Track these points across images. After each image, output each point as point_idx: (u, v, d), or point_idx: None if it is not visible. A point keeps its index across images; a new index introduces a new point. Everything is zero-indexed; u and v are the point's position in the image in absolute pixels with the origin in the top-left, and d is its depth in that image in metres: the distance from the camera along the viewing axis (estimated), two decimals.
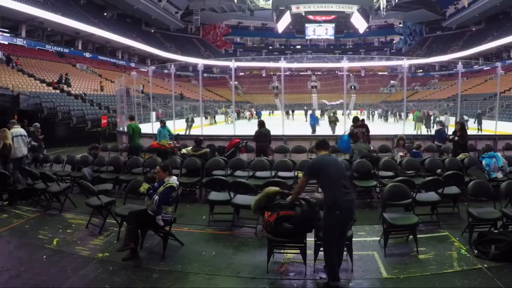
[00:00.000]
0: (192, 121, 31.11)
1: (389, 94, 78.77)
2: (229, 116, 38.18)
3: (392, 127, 33.90)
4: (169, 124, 22.64)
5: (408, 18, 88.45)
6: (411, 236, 7.57)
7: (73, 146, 22.55)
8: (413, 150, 13.84)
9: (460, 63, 21.96)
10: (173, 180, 7.51)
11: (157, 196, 7.08)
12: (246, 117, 53.19)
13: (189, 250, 7.48)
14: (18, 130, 13.09)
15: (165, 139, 16.26)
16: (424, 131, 28.32)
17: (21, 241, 8.05)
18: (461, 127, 14.27)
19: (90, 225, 8.76)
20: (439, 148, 15.90)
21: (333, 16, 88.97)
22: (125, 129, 20.39)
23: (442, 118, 30.46)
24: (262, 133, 14.46)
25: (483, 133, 23.85)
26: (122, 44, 66.03)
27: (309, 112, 41.15)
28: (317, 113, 44.49)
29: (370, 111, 55.33)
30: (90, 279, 6.33)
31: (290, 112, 52.52)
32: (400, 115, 47.80)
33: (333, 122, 27.35)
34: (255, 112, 55.54)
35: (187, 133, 27.56)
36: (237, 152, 14.45)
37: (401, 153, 13.03)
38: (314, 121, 28.38)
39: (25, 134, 13.48)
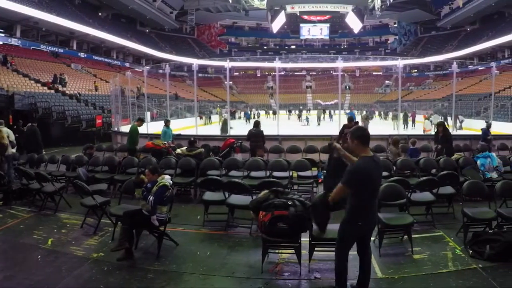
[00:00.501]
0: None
1: (383, 94, 78.82)
2: (223, 116, 38.15)
3: (384, 127, 33.86)
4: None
5: (403, 18, 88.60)
6: (405, 236, 7.57)
7: (68, 146, 22.56)
8: (411, 147, 13.93)
9: (454, 63, 22.08)
10: (166, 179, 7.51)
11: (152, 197, 7.10)
12: (240, 117, 53.13)
13: (184, 250, 7.49)
14: (6, 129, 13.29)
15: (169, 140, 16.36)
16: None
17: (16, 241, 8.04)
18: (443, 128, 14.35)
19: (85, 225, 8.76)
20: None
21: (327, 16, 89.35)
22: (120, 129, 20.42)
23: (432, 118, 30.48)
24: (253, 133, 14.53)
25: (477, 133, 23.92)
26: (117, 44, 65.91)
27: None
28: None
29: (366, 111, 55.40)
30: (85, 279, 6.33)
31: (287, 112, 52.83)
32: (387, 114, 48.43)
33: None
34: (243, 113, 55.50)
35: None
36: (232, 152, 14.43)
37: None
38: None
39: (11, 133, 13.72)
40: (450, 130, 19.97)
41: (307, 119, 46.83)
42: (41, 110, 29.48)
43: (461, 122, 31.58)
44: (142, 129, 19.28)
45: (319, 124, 45.12)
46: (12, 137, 15.01)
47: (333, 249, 6.01)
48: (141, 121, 16.62)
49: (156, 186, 7.28)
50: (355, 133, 5.46)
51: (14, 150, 13.54)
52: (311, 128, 30.03)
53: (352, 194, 5.38)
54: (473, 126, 31.38)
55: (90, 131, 29.92)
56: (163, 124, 17.69)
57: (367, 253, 5.78)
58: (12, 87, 30.75)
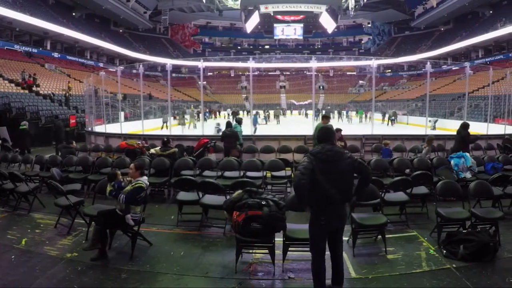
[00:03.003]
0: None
1: (357, 94, 79.09)
2: (195, 119, 38.05)
3: (357, 127, 34.05)
4: (138, 124, 22.65)
5: (377, 18, 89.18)
6: (379, 236, 7.62)
7: (42, 146, 22.35)
8: (384, 148, 14.08)
9: (428, 63, 22.10)
10: (143, 180, 7.51)
11: (123, 195, 7.12)
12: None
13: (158, 250, 7.49)
14: None
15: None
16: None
17: None
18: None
19: (58, 225, 8.72)
20: None
21: (301, 16, 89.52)
22: (94, 129, 20.33)
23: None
24: (227, 134, 14.51)
25: (451, 133, 24.12)
26: (91, 44, 65.43)
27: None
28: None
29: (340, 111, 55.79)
30: (59, 279, 6.31)
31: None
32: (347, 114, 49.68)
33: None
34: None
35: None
36: (206, 152, 14.39)
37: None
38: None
39: None
40: (424, 130, 20.20)
41: (265, 118, 47.71)
42: (15, 110, 29.13)
43: (435, 122, 32.02)
44: (116, 129, 19.25)
45: (278, 122, 46.03)
46: None
47: (307, 249, 6.08)
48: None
49: (131, 186, 7.28)
50: (314, 133, 5.69)
51: None
52: (286, 128, 30.11)
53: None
54: (447, 126, 31.75)
55: (64, 131, 29.61)
56: (234, 121, 17.08)
57: (339, 252, 5.85)
58: None
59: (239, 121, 15.83)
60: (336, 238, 5.79)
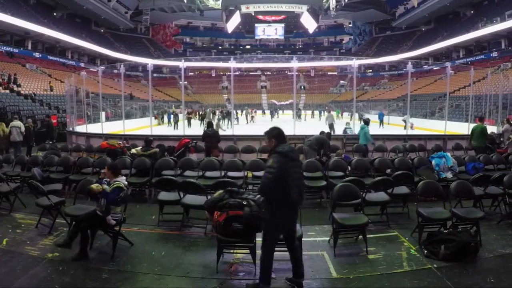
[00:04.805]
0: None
1: (338, 94, 79.66)
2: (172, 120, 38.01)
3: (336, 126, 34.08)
4: (119, 124, 22.55)
5: (358, 18, 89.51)
6: (360, 236, 7.59)
7: (23, 146, 22.16)
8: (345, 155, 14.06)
9: (409, 63, 22.19)
10: (121, 180, 7.49)
11: (103, 199, 7.11)
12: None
13: (139, 250, 7.48)
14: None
15: (368, 141, 16.08)
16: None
17: None
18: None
19: (39, 225, 8.67)
20: None
21: (282, 16, 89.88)
22: (75, 129, 20.28)
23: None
24: (208, 133, 14.59)
25: (432, 133, 24.33)
26: (72, 44, 65.23)
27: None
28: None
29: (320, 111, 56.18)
30: (40, 279, 6.28)
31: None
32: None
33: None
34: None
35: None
36: (187, 152, 14.43)
37: None
38: None
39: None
40: (404, 130, 20.36)
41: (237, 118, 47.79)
42: None
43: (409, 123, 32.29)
44: (97, 129, 19.20)
45: (247, 123, 46.24)
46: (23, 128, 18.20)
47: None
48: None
49: (110, 187, 7.26)
50: (271, 133, 5.99)
51: None
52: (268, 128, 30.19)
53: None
54: (427, 126, 31.97)
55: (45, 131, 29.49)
56: (362, 122, 16.99)
57: (295, 246, 6.06)
58: None
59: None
60: (290, 233, 6.06)
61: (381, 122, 39.47)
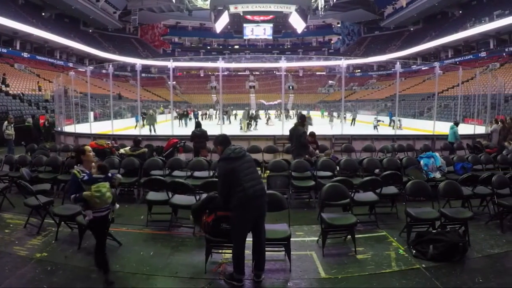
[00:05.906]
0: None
1: (327, 94, 79.88)
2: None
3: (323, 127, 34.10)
4: (107, 124, 22.49)
5: (346, 18, 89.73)
6: (349, 236, 7.63)
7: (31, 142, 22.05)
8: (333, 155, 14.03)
9: (398, 63, 22.19)
10: (75, 168, 6.73)
11: (74, 195, 6.37)
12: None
13: (127, 250, 7.48)
14: None
15: (456, 140, 16.99)
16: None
17: None
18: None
19: (28, 225, 8.65)
20: None
21: (271, 16, 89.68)
22: (64, 129, 20.22)
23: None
24: (196, 133, 14.52)
25: (421, 133, 24.39)
26: (60, 44, 65.14)
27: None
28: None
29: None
30: (28, 279, 6.29)
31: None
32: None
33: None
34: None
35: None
36: (175, 152, 14.42)
37: None
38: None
39: None
40: (392, 130, 20.41)
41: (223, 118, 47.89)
42: None
43: (399, 122, 32.36)
44: (85, 129, 19.15)
45: (223, 123, 45.97)
46: None
47: (277, 249, 6.47)
48: None
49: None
50: (216, 140, 6.43)
51: None
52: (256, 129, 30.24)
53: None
54: (416, 126, 32.08)
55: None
56: (453, 123, 17.99)
57: (261, 238, 6.21)
58: None
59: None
60: (258, 225, 6.20)
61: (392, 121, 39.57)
